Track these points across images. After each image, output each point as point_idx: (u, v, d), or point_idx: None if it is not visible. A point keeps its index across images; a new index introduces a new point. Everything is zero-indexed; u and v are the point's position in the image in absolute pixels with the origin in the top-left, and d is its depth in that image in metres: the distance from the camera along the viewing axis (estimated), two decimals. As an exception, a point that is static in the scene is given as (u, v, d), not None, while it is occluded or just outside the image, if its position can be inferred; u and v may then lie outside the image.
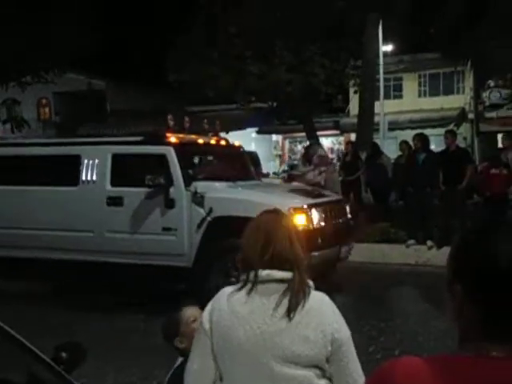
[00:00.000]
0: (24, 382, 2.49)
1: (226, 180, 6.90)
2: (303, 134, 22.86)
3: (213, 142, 7.36)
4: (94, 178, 6.94)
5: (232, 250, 6.18)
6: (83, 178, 6.99)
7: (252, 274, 1.87)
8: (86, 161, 6.98)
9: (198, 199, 6.42)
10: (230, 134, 19.19)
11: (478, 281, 1.04)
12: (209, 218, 6.37)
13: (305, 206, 6.27)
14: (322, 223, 6.37)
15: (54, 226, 7.10)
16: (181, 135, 6.89)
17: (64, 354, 2.52)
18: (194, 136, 7.09)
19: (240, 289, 1.88)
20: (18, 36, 16.16)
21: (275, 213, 2.06)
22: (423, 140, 9.70)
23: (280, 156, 27.52)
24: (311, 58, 21.60)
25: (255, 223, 1.99)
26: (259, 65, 22.34)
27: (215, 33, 22.36)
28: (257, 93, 23.66)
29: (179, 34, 22.90)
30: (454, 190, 9.09)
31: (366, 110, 18.55)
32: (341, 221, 6.79)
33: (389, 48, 22.16)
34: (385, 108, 21.78)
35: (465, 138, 21.31)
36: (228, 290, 1.93)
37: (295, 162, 24.02)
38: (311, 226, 6.21)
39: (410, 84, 23.19)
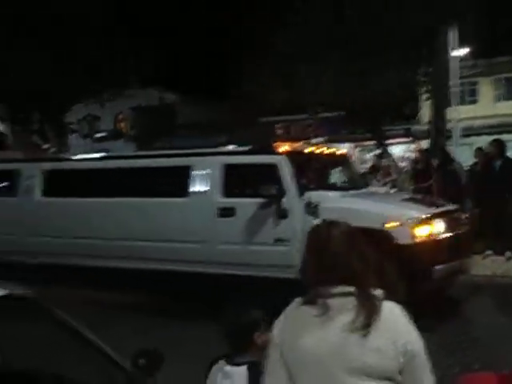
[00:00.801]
0: None
1: (337, 189, 6.65)
2: (373, 142, 22.41)
3: (321, 150, 7.15)
4: (205, 188, 6.84)
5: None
6: (194, 189, 6.90)
7: (316, 288, 1.85)
8: (196, 172, 6.89)
9: (312, 209, 6.19)
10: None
11: None
12: (324, 229, 6.11)
13: (427, 217, 5.94)
14: (445, 234, 6.01)
15: (164, 238, 7.04)
16: (291, 144, 6.71)
17: (142, 361, 2.53)
18: (303, 144, 6.91)
19: (309, 301, 1.87)
20: (99, 56, 16.62)
21: (326, 226, 1.98)
22: (499, 146, 9.30)
23: (349, 165, 27.08)
24: (381, 66, 21.19)
25: (311, 236, 1.97)
26: (328, 74, 22.09)
27: (283, 45, 22.29)
28: (326, 102, 23.42)
29: (247, 46, 22.99)
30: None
31: (438, 117, 17.99)
32: (461, 231, 6.41)
33: (462, 52, 21.40)
34: (458, 114, 21.03)
35: (546, 143, 20.28)
36: (298, 302, 1.91)
37: (362, 171, 23.53)
38: (434, 238, 5.86)
39: (485, 88, 22.37)
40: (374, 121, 22.46)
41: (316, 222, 6.18)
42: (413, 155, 23.46)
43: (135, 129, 26.51)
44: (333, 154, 7.34)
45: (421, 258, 5.75)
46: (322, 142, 7.02)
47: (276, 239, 6.42)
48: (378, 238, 5.78)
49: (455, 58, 19.78)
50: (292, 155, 6.55)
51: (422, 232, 5.78)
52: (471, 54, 21.64)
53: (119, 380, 2.50)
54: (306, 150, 6.92)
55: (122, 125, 27.76)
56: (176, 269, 6.99)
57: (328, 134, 24.90)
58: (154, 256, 7.10)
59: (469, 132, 21.43)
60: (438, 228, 5.94)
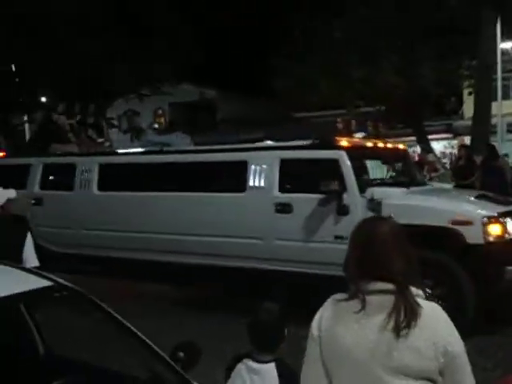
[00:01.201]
0: (146, 379, 2.62)
1: (399, 185, 6.41)
2: (414, 138, 21.93)
3: (381, 145, 6.91)
4: (262, 183, 6.69)
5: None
6: (250, 183, 6.75)
7: (357, 284, 1.83)
8: (253, 166, 6.74)
9: (374, 206, 5.97)
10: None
11: None
12: (387, 227, 5.88)
13: (498, 215, 5.65)
14: (519, 233, 5.71)
15: (220, 233, 6.92)
16: (351, 139, 6.50)
17: (181, 354, 2.56)
18: (362, 139, 6.68)
19: (348, 298, 1.84)
20: (136, 52, 16.75)
21: (372, 222, 1.97)
22: None
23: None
24: (421, 59, 20.74)
25: (355, 232, 1.93)
26: (366, 68, 21.79)
27: (319, 39, 22.05)
28: (364, 97, 23.04)
29: (283, 42, 22.82)
30: None
31: (482, 112, 17.46)
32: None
33: (508, 46, 20.73)
34: (503, 109, 20.46)
35: None
36: (336, 298, 1.90)
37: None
38: (506, 237, 5.58)
39: (530, 83, 21.64)
40: (414, 116, 22.03)
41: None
42: (454, 151, 22.95)
43: (174, 124, 26.58)
44: (393, 149, 7.09)
45: (492, 258, 5.49)
46: (379, 137, 6.77)
47: (336, 236, 6.22)
48: (445, 236, 5.56)
49: (499, 51, 19.18)
50: (353, 150, 6.34)
51: (493, 231, 5.51)
52: (516, 48, 20.97)
53: (161, 372, 2.54)
54: (367, 145, 6.69)
55: (161, 120, 27.90)
56: (231, 264, 6.86)
57: (367, 129, 24.52)
58: (210, 251, 6.99)
59: (513, 128, 20.77)
60: (511, 227, 5.65)
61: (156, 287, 7.85)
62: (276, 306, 2.56)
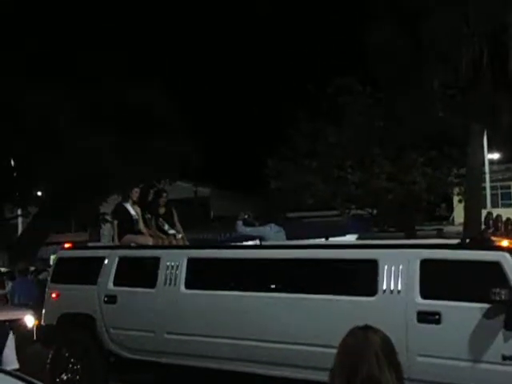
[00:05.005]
0: None
1: None
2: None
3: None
4: (399, 287, 5.29)
5: None
6: (383, 286, 5.34)
7: None
8: (385, 266, 5.37)
9: (558, 321, 4.64)
10: (330, 239, 17.73)
11: None
12: None
13: None
14: None
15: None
16: (508, 238, 5.30)
17: None
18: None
19: None
20: (137, 152, 16.20)
21: (364, 331, 1.86)
22: None
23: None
24: (412, 166, 20.59)
25: (343, 343, 1.82)
26: (359, 173, 21.48)
27: (315, 143, 21.80)
28: (356, 200, 22.50)
29: (280, 143, 22.47)
30: None
31: (472, 219, 17.01)
32: None
33: (495, 156, 20.86)
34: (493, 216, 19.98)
35: None
36: None
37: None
38: None
39: (519, 192, 21.60)
40: (405, 220, 21.46)
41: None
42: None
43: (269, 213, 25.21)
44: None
45: None
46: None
47: (505, 357, 4.81)
48: None
49: (487, 161, 19.13)
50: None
51: None
52: (504, 158, 21.14)
53: None
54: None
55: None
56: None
57: (358, 231, 23.65)
58: (325, 365, 5.37)
59: (504, 235, 20.25)
60: None
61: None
62: None
